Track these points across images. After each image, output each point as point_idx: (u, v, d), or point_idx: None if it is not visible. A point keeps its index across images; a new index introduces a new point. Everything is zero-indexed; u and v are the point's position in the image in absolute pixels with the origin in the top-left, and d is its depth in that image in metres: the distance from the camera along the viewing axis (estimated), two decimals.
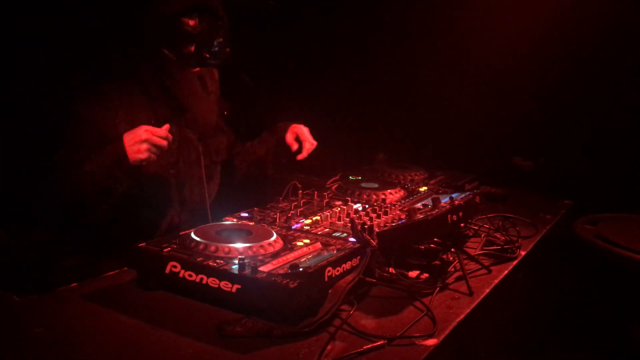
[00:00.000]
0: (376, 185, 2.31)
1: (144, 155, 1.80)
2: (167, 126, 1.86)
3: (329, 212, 1.94)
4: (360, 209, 2.03)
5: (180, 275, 1.45)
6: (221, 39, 2.00)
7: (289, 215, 1.89)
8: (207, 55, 2.00)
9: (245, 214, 1.92)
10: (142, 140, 1.79)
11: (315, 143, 2.32)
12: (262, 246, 1.55)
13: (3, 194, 2.30)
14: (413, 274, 1.70)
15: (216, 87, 2.22)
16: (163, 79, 2.03)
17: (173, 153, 2.05)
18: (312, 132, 2.39)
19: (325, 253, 1.56)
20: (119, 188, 1.85)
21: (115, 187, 1.84)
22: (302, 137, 2.32)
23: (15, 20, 2.34)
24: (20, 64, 2.36)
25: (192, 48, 1.98)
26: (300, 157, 2.30)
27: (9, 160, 2.33)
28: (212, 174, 2.25)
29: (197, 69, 2.06)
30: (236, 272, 1.39)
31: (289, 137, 2.33)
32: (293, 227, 1.80)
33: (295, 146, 2.31)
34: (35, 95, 2.34)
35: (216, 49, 2.00)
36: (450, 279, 1.71)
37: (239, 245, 1.53)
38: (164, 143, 1.84)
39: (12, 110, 2.37)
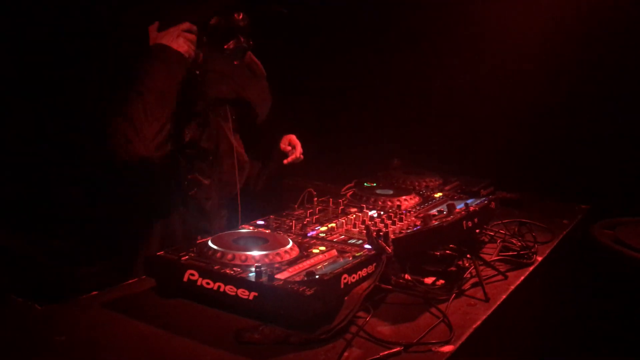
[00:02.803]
0: (391, 192, 2.31)
1: (185, 47, 2.02)
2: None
3: (344, 219, 1.95)
4: (375, 215, 2.03)
5: (198, 283, 1.47)
6: (249, 25, 2.15)
7: (305, 222, 1.90)
8: (248, 45, 2.16)
9: (261, 222, 1.94)
10: (177, 36, 2.02)
11: (301, 157, 2.46)
12: (278, 254, 1.56)
13: (29, 201, 2.35)
14: (429, 280, 1.70)
15: (262, 70, 2.35)
16: (217, 71, 2.16)
17: (213, 140, 2.16)
18: (326, 138, 2.43)
19: (341, 260, 1.57)
20: (176, 84, 1.99)
21: (173, 84, 1.98)
22: (293, 142, 2.45)
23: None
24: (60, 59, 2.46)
25: (232, 42, 2.13)
26: (287, 160, 2.41)
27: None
28: (242, 164, 2.30)
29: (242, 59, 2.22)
30: (253, 279, 1.41)
31: (283, 145, 2.46)
32: (309, 235, 1.81)
33: (288, 149, 2.45)
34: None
35: (249, 35, 2.16)
36: (466, 285, 1.71)
37: (256, 253, 1.55)
38: (193, 37, 2.05)
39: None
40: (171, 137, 1.99)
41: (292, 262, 1.54)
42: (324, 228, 1.88)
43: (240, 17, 2.12)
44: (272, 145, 2.50)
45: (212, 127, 2.17)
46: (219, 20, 2.10)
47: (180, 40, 2.02)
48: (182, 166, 2.11)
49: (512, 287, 1.74)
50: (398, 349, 1.32)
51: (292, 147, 2.45)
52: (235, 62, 2.20)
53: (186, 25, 2.05)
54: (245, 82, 2.25)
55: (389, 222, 1.92)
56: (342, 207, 2.12)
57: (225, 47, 2.13)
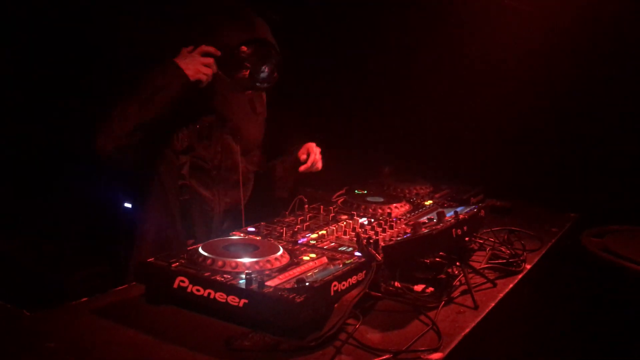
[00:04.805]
0: (382, 199, 2.33)
1: (191, 72, 2.01)
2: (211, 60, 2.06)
3: (334, 226, 1.96)
4: (365, 223, 2.04)
5: (188, 290, 1.47)
6: (271, 66, 2.16)
7: (295, 229, 1.91)
8: (256, 80, 2.16)
9: (252, 229, 1.94)
10: (191, 59, 2.02)
11: (318, 166, 2.46)
12: (268, 261, 1.57)
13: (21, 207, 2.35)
14: (418, 287, 1.71)
15: (264, 108, 2.37)
16: (213, 96, 2.18)
17: (215, 156, 2.19)
18: (317, 146, 2.44)
19: (331, 267, 1.58)
20: (164, 99, 1.99)
21: (161, 97, 1.98)
22: (310, 151, 2.44)
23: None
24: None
25: (245, 73, 2.14)
26: (302, 168, 2.41)
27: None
28: (247, 180, 2.34)
29: (249, 92, 2.24)
30: (243, 286, 1.41)
31: (301, 153, 2.46)
32: (299, 242, 1.82)
33: (304, 158, 2.44)
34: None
35: (266, 74, 2.17)
36: (456, 293, 1.72)
37: (246, 260, 1.55)
38: (209, 71, 2.05)
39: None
40: (143, 146, 2.01)
41: (282, 269, 1.54)
42: (314, 235, 1.88)
43: (248, 50, 2.12)
44: (288, 152, 2.54)
45: (216, 142, 2.19)
46: (230, 50, 2.10)
47: (191, 64, 2.01)
48: (176, 171, 2.13)
49: (501, 295, 1.76)
50: (387, 356, 1.33)
51: (308, 155, 2.47)
52: (240, 92, 2.22)
53: (203, 48, 2.05)
54: (241, 118, 2.26)
55: (379, 229, 1.93)
56: (332, 214, 2.13)
57: (236, 76, 2.15)
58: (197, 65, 2.02)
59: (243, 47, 2.10)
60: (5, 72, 2.44)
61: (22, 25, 2.50)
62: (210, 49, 2.06)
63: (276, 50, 2.17)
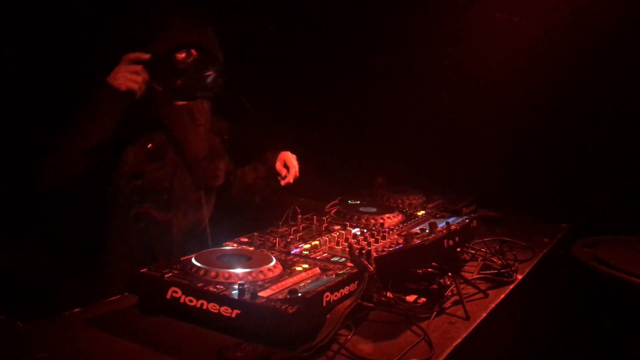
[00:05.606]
0: (374, 210, 2.34)
1: (120, 81, 1.89)
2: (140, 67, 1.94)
3: (327, 236, 1.96)
4: (358, 233, 2.05)
5: (181, 300, 1.47)
6: (210, 73, 2.03)
7: (288, 240, 1.91)
8: (194, 89, 2.03)
9: (245, 239, 1.95)
10: (118, 70, 1.91)
11: (297, 174, 2.47)
12: (261, 271, 1.58)
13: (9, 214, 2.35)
14: (410, 298, 1.72)
15: (206, 119, 2.22)
16: (152, 111, 2.07)
17: (168, 177, 2.10)
18: (311, 156, 2.46)
19: (324, 278, 1.59)
20: (99, 122, 1.89)
21: (95, 120, 1.89)
22: (288, 164, 2.46)
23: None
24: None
25: (179, 82, 2.00)
26: (284, 182, 2.44)
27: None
28: (207, 199, 2.28)
29: (183, 102, 2.10)
30: (236, 297, 1.42)
31: (278, 165, 2.47)
32: (292, 252, 1.82)
33: (284, 172, 2.46)
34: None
35: (204, 82, 2.03)
36: (447, 304, 1.73)
37: (239, 270, 1.56)
38: (139, 79, 1.92)
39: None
40: (87, 175, 1.91)
41: (275, 280, 1.55)
42: (307, 245, 1.89)
43: (184, 56, 1.99)
44: (262, 159, 2.52)
45: (167, 162, 2.09)
46: (163, 57, 1.97)
47: (119, 74, 1.90)
48: (127, 197, 2.02)
49: (493, 305, 1.77)
50: None
51: (287, 168, 2.46)
52: (177, 103, 2.09)
53: (129, 56, 1.92)
54: (181, 131, 2.13)
55: (371, 240, 1.94)
56: (325, 224, 2.14)
57: (170, 85, 2.00)
58: (124, 74, 1.89)
59: (175, 53, 1.97)
60: (5, 72, 2.45)
61: (22, 25, 2.51)
62: (137, 54, 1.92)
63: (213, 56, 2.02)
